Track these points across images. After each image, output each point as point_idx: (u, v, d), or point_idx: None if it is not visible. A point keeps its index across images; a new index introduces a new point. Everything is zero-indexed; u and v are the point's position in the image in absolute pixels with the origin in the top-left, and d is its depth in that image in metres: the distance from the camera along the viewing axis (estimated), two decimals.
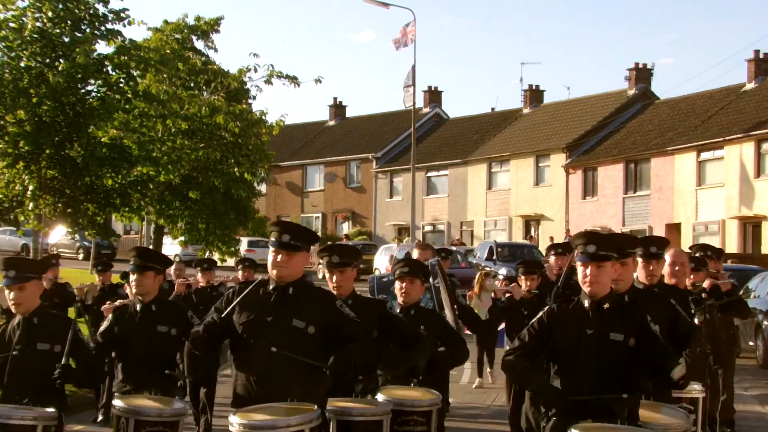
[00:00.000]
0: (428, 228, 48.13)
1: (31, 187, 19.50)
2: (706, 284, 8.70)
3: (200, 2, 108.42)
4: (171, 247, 34.97)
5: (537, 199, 42.92)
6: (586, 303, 5.15)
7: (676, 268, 7.28)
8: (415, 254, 8.74)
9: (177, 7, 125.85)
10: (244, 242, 38.98)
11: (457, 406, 11.40)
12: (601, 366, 5.03)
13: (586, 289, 5.13)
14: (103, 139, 20.08)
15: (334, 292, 6.08)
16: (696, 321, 7.20)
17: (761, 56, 38.58)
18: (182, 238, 26.23)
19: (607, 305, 5.13)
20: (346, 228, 51.21)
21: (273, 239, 5.33)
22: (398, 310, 6.59)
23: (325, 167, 52.87)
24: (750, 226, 34.78)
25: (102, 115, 19.43)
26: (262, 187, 42.00)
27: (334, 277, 6.18)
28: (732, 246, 33.61)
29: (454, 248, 32.61)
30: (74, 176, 19.76)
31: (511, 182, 44.50)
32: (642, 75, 43.84)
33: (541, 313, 5.27)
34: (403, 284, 6.66)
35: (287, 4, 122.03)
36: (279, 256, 5.28)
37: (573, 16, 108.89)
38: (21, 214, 20.33)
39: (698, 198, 36.54)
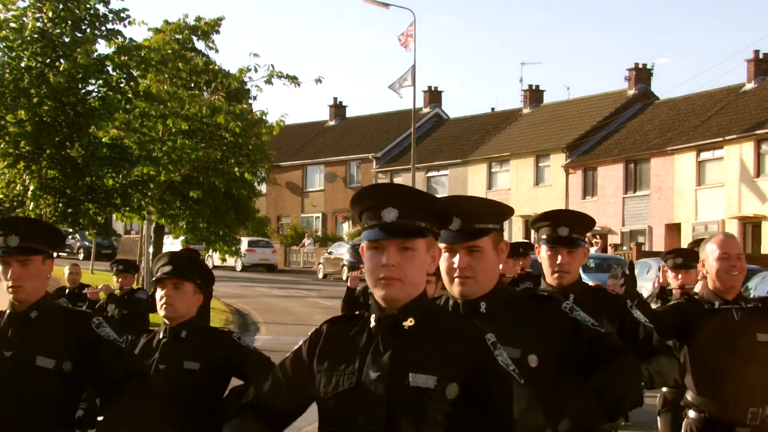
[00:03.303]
0: None
1: (31, 187, 19.52)
2: (698, 288, 6.61)
3: (200, 2, 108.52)
4: (171, 246, 34.99)
5: (537, 199, 42.93)
6: (372, 319, 2.86)
7: (732, 263, 4.73)
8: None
9: (177, 7, 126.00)
10: (244, 242, 39.04)
11: None
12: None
13: (378, 292, 2.83)
14: (104, 139, 20.10)
15: (9, 295, 4.03)
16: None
17: (761, 56, 38.60)
18: (183, 237, 26.30)
19: (410, 322, 2.82)
20: (346, 228, 51.24)
21: None
22: (162, 332, 4.45)
23: (325, 167, 52.88)
24: (750, 226, 34.81)
25: (103, 115, 19.46)
26: (263, 187, 42.03)
27: (10, 272, 3.89)
28: None
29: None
30: (75, 176, 19.78)
31: (511, 182, 44.53)
32: (642, 75, 43.86)
33: (302, 341, 3.01)
34: (164, 291, 4.40)
35: (287, 4, 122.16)
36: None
37: (573, 16, 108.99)
38: (21, 214, 20.33)
39: (698, 198, 36.56)
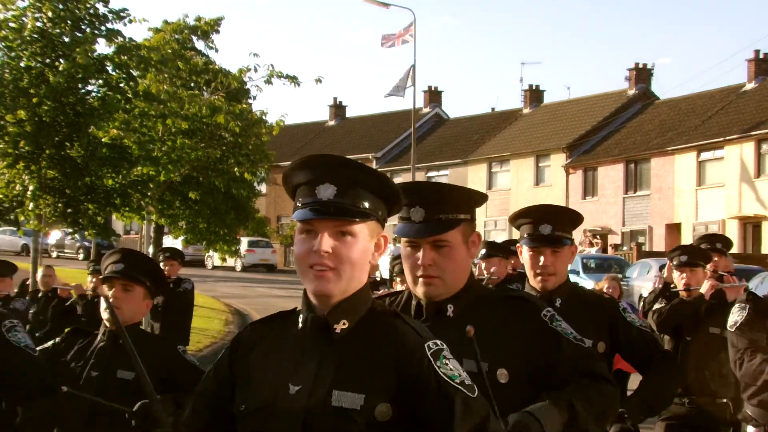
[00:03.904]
0: None
1: (31, 187, 19.50)
2: (705, 289, 6.15)
3: (200, 2, 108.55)
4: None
5: (537, 199, 42.88)
6: (300, 320, 2.46)
7: None
8: None
9: (177, 7, 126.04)
10: (244, 242, 39.05)
11: None
12: None
13: (308, 285, 2.41)
14: (103, 140, 20.10)
15: None
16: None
17: (761, 56, 38.59)
18: (183, 237, 26.34)
19: (343, 325, 2.36)
20: None
21: None
22: (100, 337, 4.08)
23: None
24: (750, 226, 34.79)
25: (102, 115, 19.46)
26: (262, 187, 41.96)
27: None
28: (732, 246, 33.62)
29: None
30: (74, 176, 19.76)
31: (511, 182, 44.52)
32: (642, 75, 43.84)
33: (225, 350, 2.59)
34: (111, 291, 4.06)
35: (287, 4, 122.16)
36: None
37: (573, 16, 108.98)
38: (21, 214, 20.32)
39: (698, 198, 36.54)
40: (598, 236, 36.15)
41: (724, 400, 5.95)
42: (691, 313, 6.12)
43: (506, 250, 8.21)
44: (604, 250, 34.86)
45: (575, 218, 4.09)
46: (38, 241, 21.45)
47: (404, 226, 2.79)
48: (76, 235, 27.23)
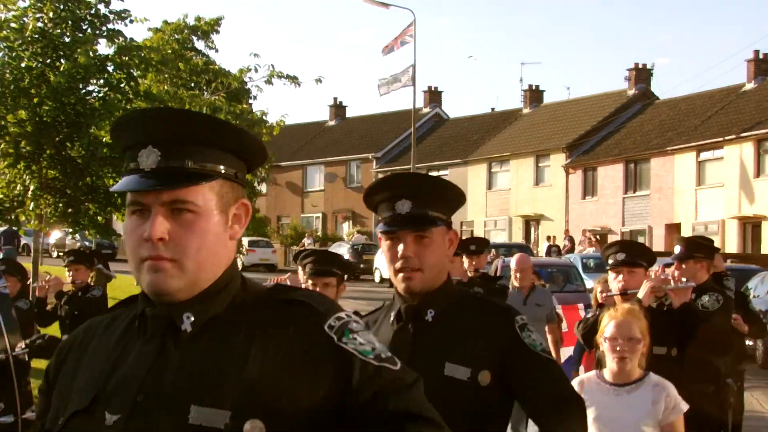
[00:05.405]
0: None
1: (32, 187, 19.54)
2: (643, 293, 5.06)
3: (200, 2, 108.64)
4: None
5: (537, 199, 42.94)
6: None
7: None
8: None
9: (177, 7, 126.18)
10: (244, 242, 39.08)
11: None
12: None
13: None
14: (104, 140, 20.14)
15: None
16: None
17: (761, 56, 38.62)
18: None
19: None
20: (346, 228, 51.26)
21: None
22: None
23: (326, 167, 52.90)
24: (750, 226, 34.82)
25: (103, 115, 19.49)
26: (263, 187, 41.98)
27: None
28: (732, 246, 33.66)
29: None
30: (75, 176, 19.80)
31: (511, 182, 44.53)
32: (642, 75, 43.89)
33: None
34: None
35: (287, 4, 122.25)
36: None
37: (573, 16, 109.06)
38: (22, 214, 20.36)
39: (698, 198, 36.57)
40: (597, 236, 36.21)
41: None
42: None
43: (466, 248, 7.52)
44: None
45: (450, 192, 2.87)
46: (39, 240, 21.50)
47: (129, 179, 1.74)
48: (77, 235, 27.23)
